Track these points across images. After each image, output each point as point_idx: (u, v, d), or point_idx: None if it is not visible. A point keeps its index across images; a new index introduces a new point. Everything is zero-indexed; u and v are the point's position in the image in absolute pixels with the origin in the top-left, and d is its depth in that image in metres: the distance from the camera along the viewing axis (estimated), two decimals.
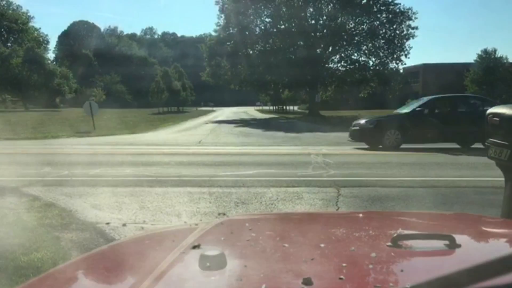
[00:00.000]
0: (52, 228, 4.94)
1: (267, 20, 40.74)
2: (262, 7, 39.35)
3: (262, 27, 40.82)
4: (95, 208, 5.93)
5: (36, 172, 8.66)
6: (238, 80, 43.61)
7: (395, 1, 37.73)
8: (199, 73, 51.51)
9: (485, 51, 56.73)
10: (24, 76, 53.30)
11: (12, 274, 3.51)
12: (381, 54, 38.58)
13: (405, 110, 14.20)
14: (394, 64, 39.27)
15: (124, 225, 5.12)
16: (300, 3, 37.91)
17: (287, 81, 41.43)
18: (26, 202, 6.21)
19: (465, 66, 56.31)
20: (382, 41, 38.33)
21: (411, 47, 38.37)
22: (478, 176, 8.03)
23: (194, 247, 1.10)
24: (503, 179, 3.39)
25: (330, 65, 41.81)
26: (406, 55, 38.58)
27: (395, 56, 38.33)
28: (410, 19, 37.85)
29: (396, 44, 38.06)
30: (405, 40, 37.91)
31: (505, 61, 55.74)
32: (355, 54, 40.45)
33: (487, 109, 3.45)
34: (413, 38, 38.14)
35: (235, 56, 39.83)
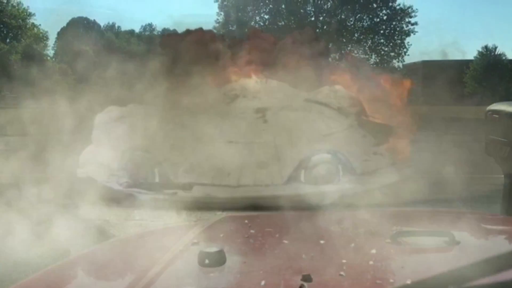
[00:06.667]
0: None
1: (266, 17, 40.58)
2: (261, 4, 39.23)
3: (262, 24, 40.67)
4: (94, 204, 5.90)
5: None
6: None
7: None
8: None
9: (485, 48, 56.64)
10: (23, 73, 53.20)
11: (11, 271, 3.50)
12: (382, 52, 38.52)
13: None
14: (395, 62, 39.17)
15: (123, 222, 5.11)
16: None
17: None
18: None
19: (465, 63, 56.11)
20: (382, 39, 38.27)
21: (410, 45, 38.02)
22: (478, 173, 8.00)
23: (193, 243, 1.10)
24: (502, 175, 3.39)
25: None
26: (405, 52, 38.51)
27: (395, 53, 38.24)
28: (410, 16, 37.82)
29: (396, 41, 37.99)
30: (404, 36, 37.86)
31: (504, 57, 55.64)
32: (355, 52, 40.37)
33: None
34: (413, 34, 38.08)
35: None
